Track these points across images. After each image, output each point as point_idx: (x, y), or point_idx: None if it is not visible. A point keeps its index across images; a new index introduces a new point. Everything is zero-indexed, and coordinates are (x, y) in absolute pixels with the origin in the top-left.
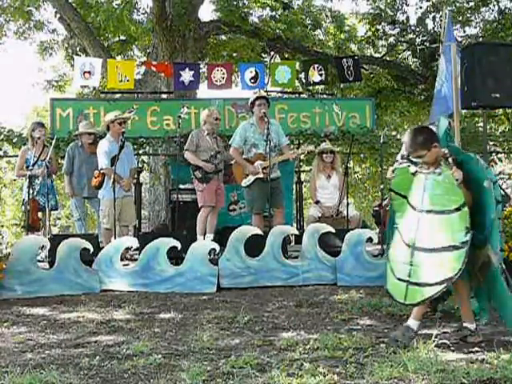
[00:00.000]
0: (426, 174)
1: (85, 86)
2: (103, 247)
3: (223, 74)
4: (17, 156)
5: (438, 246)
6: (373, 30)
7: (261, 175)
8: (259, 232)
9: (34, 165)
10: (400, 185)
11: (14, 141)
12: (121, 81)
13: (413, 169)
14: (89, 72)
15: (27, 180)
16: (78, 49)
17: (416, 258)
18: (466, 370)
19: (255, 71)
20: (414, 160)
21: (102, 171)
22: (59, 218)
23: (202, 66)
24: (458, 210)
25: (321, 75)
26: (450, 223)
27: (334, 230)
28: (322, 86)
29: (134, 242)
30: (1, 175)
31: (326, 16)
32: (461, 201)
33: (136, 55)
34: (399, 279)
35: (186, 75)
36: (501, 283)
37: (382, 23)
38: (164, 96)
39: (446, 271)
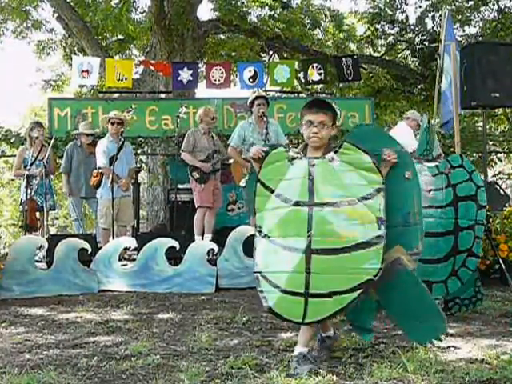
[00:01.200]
0: (311, 160)
1: (83, 85)
2: (101, 247)
3: (222, 73)
4: (15, 156)
5: (346, 245)
6: (372, 29)
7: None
8: None
9: (31, 164)
10: (272, 174)
11: (11, 140)
12: (119, 80)
13: (292, 153)
14: (87, 71)
15: (25, 180)
16: (75, 48)
17: (315, 263)
18: (465, 370)
19: (254, 70)
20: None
21: (100, 170)
22: (57, 218)
23: (200, 65)
24: (365, 198)
25: (320, 74)
26: (356, 216)
27: None
28: (321, 86)
29: (133, 242)
30: None
31: (325, 15)
32: (369, 189)
33: (134, 54)
34: (290, 292)
35: (185, 74)
36: (419, 291)
37: (381, 22)
38: (162, 96)
39: (361, 274)
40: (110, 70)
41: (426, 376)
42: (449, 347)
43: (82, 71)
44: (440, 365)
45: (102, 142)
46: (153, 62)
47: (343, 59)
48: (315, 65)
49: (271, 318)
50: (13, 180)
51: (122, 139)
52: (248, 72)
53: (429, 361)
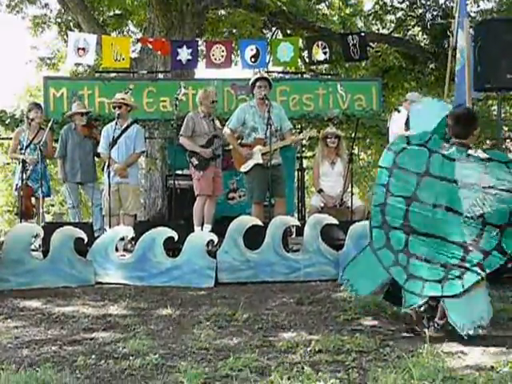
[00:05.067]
0: None
1: (79, 63)
2: (98, 236)
3: (222, 51)
4: (9, 138)
5: None
6: (380, 3)
7: (260, 161)
8: (259, 223)
9: (27, 147)
10: None
11: (6, 122)
12: (116, 59)
13: None
14: (83, 49)
15: (20, 164)
16: (71, 24)
17: None
18: (473, 378)
19: (256, 49)
20: None
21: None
22: (53, 205)
23: (200, 43)
24: None
25: (325, 53)
26: None
27: (337, 222)
28: (326, 66)
29: (130, 232)
30: None
31: None
32: None
33: (131, 31)
34: None
35: (184, 53)
36: None
37: None
38: (161, 76)
39: None
40: (106, 48)
41: (432, 383)
42: (456, 352)
43: (78, 49)
44: (447, 372)
45: (107, 126)
46: (151, 39)
47: (349, 37)
48: (320, 43)
49: (272, 315)
50: (8, 164)
51: (129, 122)
52: (250, 50)
53: (435, 367)
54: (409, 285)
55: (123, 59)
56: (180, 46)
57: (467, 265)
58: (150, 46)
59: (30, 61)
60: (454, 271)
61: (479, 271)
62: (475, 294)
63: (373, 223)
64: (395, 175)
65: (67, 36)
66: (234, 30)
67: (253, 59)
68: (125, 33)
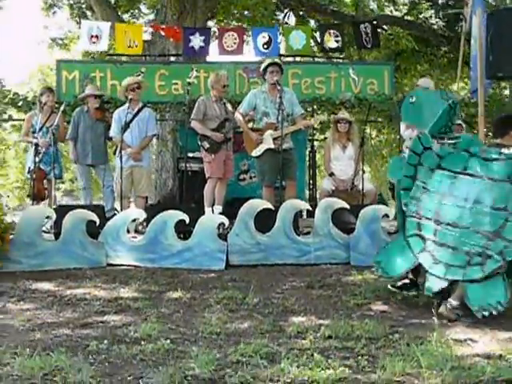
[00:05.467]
0: None
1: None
2: (110, 218)
3: (235, 39)
4: (22, 120)
5: None
6: None
7: (272, 146)
8: (270, 206)
9: (39, 131)
10: None
11: (19, 104)
12: (129, 46)
13: None
14: (96, 36)
15: (33, 148)
16: (83, 5)
17: None
18: (482, 367)
19: (268, 36)
20: None
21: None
22: (63, 182)
23: (213, 29)
24: None
25: (337, 41)
26: None
27: (348, 206)
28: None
29: (141, 214)
30: (5, 137)
31: None
32: None
33: (143, 13)
34: None
35: (196, 40)
36: None
37: None
38: (173, 59)
39: None
40: (119, 35)
41: (440, 372)
42: (465, 340)
43: (92, 36)
44: (455, 361)
45: (118, 110)
46: (163, 26)
47: (361, 25)
48: (332, 31)
49: (283, 299)
50: (20, 141)
51: (140, 106)
52: (262, 38)
53: (444, 355)
54: (434, 269)
55: (136, 45)
56: (192, 33)
57: (490, 252)
58: (162, 33)
59: (43, 41)
60: (477, 258)
61: (500, 259)
62: (494, 280)
63: (407, 213)
64: (433, 174)
65: (79, 18)
66: (246, 13)
67: (265, 46)
68: (136, 15)
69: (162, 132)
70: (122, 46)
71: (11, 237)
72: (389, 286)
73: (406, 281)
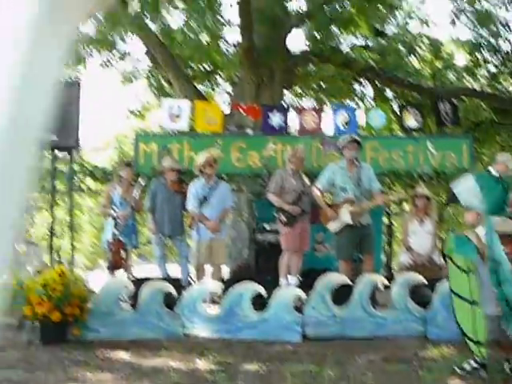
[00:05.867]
0: None
1: (177, 131)
2: (186, 289)
3: (314, 118)
4: (100, 191)
5: None
6: (472, 58)
7: (350, 221)
8: (347, 280)
9: (118, 204)
10: None
11: (97, 176)
12: (208, 123)
13: None
14: (177, 115)
15: (112, 220)
16: (161, 78)
17: None
18: None
19: (347, 114)
20: None
21: (190, 213)
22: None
23: (291, 107)
24: None
25: (417, 121)
26: None
27: (425, 281)
28: None
29: (218, 286)
30: (80, 202)
31: (422, 43)
32: None
33: (220, 85)
34: None
35: (275, 118)
36: None
37: (483, 51)
38: (249, 131)
39: None
40: (199, 113)
41: None
42: None
43: (172, 114)
44: None
45: (193, 183)
46: (242, 105)
47: (441, 104)
48: (412, 110)
49: (359, 374)
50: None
51: (216, 179)
52: (341, 116)
53: None
54: None
55: (215, 123)
56: (271, 111)
57: None
58: (242, 111)
59: (119, 111)
60: None
61: None
62: None
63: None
64: None
65: (156, 89)
66: (324, 85)
67: (344, 124)
68: (214, 86)
69: (239, 203)
70: (202, 124)
71: (90, 306)
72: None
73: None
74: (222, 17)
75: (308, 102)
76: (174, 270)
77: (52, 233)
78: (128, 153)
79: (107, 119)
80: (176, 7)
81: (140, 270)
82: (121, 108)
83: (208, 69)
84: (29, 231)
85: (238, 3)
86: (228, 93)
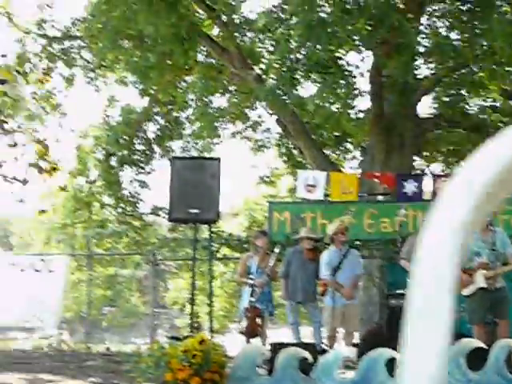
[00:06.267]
0: None
1: (308, 199)
2: (321, 355)
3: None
4: (235, 258)
5: None
6: None
7: (484, 285)
8: (481, 345)
9: (255, 272)
10: None
11: (232, 244)
12: (344, 193)
13: None
14: (312, 185)
15: (249, 288)
16: (292, 146)
17: None
18: None
19: None
20: None
21: (322, 281)
22: (272, 314)
23: (426, 174)
24: None
25: None
26: None
27: None
28: None
29: (352, 353)
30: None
31: None
32: None
33: (349, 150)
34: None
35: (410, 186)
36: None
37: None
38: (380, 198)
39: None
40: (335, 184)
41: None
42: None
43: (308, 185)
44: None
45: (325, 252)
46: (377, 173)
47: None
48: None
49: None
50: (225, 273)
51: (347, 247)
52: None
53: None
54: None
55: (351, 192)
56: (406, 180)
57: None
58: (376, 180)
59: (250, 178)
60: None
61: None
62: None
63: None
64: None
65: (284, 155)
66: (453, 148)
67: None
68: (343, 151)
69: (370, 268)
70: (337, 194)
71: (228, 372)
72: None
73: None
74: (353, 86)
75: (437, 167)
76: (305, 334)
77: (192, 299)
78: (258, 219)
79: (238, 186)
80: (308, 77)
81: (271, 334)
82: (251, 175)
83: (337, 136)
84: (163, 296)
85: (369, 71)
86: (355, 157)
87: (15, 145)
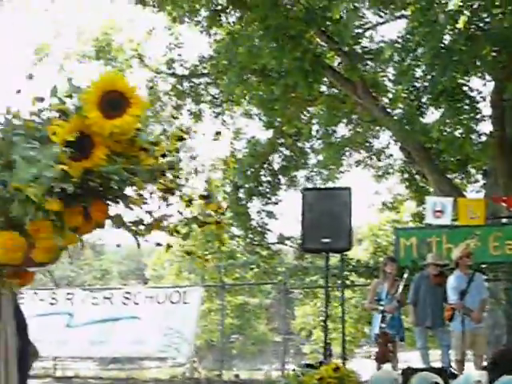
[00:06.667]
0: None
1: (436, 224)
2: (453, 378)
3: None
4: (363, 285)
5: None
6: None
7: None
8: None
9: (385, 298)
10: None
11: (359, 271)
12: (471, 218)
13: None
14: (440, 211)
15: (379, 314)
16: (415, 172)
17: None
18: None
19: None
20: None
21: (451, 306)
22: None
23: None
24: None
25: None
26: None
27: None
28: None
29: (483, 376)
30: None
31: None
32: None
33: (471, 173)
34: None
35: None
36: None
37: None
38: (504, 220)
39: None
40: (462, 209)
41: None
42: None
43: (435, 211)
44: None
45: (451, 277)
46: (505, 197)
47: None
48: None
49: None
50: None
51: (472, 271)
52: None
53: None
54: None
55: (478, 217)
56: None
57: None
58: (504, 205)
59: (373, 204)
60: None
61: None
62: None
63: None
64: None
65: (408, 182)
66: None
67: None
68: (464, 176)
69: (495, 291)
70: (465, 219)
71: None
72: None
73: None
74: (477, 110)
75: None
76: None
77: (325, 326)
78: (382, 244)
79: (359, 212)
80: (435, 105)
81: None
82: (370, 201)
83: (459, 159)
84: (290, 323)
85: (490, 95)
86: (477, 181)
87: None
